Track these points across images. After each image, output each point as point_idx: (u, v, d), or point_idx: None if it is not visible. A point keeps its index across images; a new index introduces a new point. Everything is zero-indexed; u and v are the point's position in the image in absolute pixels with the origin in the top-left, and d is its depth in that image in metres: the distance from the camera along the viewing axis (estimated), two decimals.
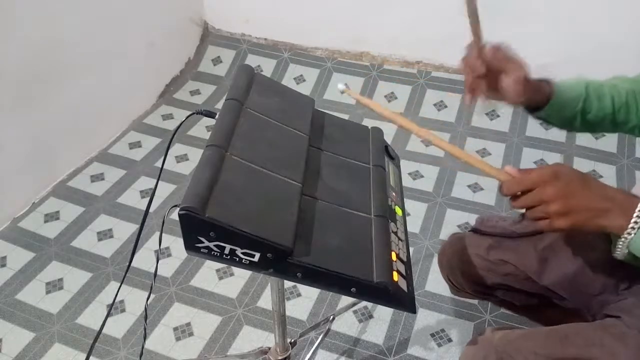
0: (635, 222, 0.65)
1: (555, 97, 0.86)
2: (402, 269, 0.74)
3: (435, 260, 1.60)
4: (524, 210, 0.70)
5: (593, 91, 0.88)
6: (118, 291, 0.98)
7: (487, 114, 2.15)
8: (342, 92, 0.88)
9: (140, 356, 1.10)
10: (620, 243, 0.67)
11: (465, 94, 0.85)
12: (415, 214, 1.76)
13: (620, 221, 0.65)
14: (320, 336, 1.39)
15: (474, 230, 1.06)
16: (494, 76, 0.82)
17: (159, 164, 1.98)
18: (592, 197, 0.66)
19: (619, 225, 0.66)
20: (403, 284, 0.72)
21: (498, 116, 2.14)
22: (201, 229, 0.64)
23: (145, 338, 1.19)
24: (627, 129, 0.90)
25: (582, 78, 0.90)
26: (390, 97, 2.26)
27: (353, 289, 0.70)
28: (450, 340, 1.40)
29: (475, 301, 1.48)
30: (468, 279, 1.05)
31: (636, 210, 0.65)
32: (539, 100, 0.87)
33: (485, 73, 0.81)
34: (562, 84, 0.88)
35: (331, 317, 1.38)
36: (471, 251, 1.03)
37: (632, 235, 0.65)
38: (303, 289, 1.55)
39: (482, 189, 1.85)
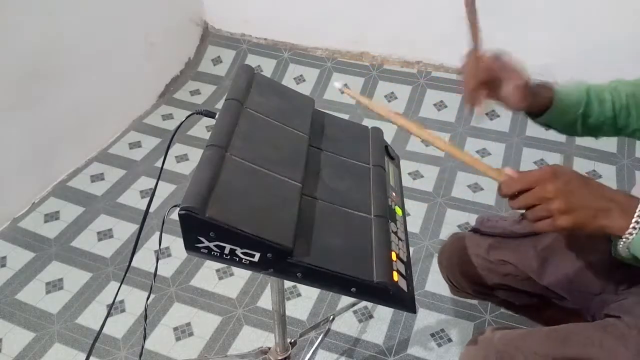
0: (637, 222, 0.64)
1: (556, 102, 0.86)
2: (402, 269, 0.74)
3: (435, 260, 1.60)
4: (524, 211, 0.70)
5: (594, 95, 0.88)
6: (118, 291, 0.98)
7: (487, 114, 2.15)
8: (342, 92, 0.88)
9: (140, 356, 1.10)
10: (621, 244, 0.67)
11: (465, 103, 0.86)
12: (415, 214, 1.76)
13: (621, 222, 0.65)
14: (320, 336, 1.39)
15: (474, 230, 1.06)
16: (493, 84, 0.84)
17: (159, 164, 1.98)
18: (592, 196, 0.66)
19: (620, 225, 0.65)
20: (403, 284, 0.72)
21: (498, 116, 2.14)
22: (201, 229, 0.64)
23: (145, 338, 1.19)
24: (628, 132, 0.90)
25: (583, 82, 0.90)
26: (390, 97, 2.26)
27: (353, 289, 0.69)
28: (450, 340, 1.40)
29: (475, 301, 1.48)
30: (468, 279, 1.05)
31: (637, 210, 0.65)
32: (540, 105, 0.87)
33: (485, 81, 0.82)
34: (562, 88, 0.88)
35: (331, 317, 1.38)
36: (471, 251, 1.03)
37: (634, 235, 0.65)
38: (303, 289, 1.55)
39: (482, 189, 1.85)
